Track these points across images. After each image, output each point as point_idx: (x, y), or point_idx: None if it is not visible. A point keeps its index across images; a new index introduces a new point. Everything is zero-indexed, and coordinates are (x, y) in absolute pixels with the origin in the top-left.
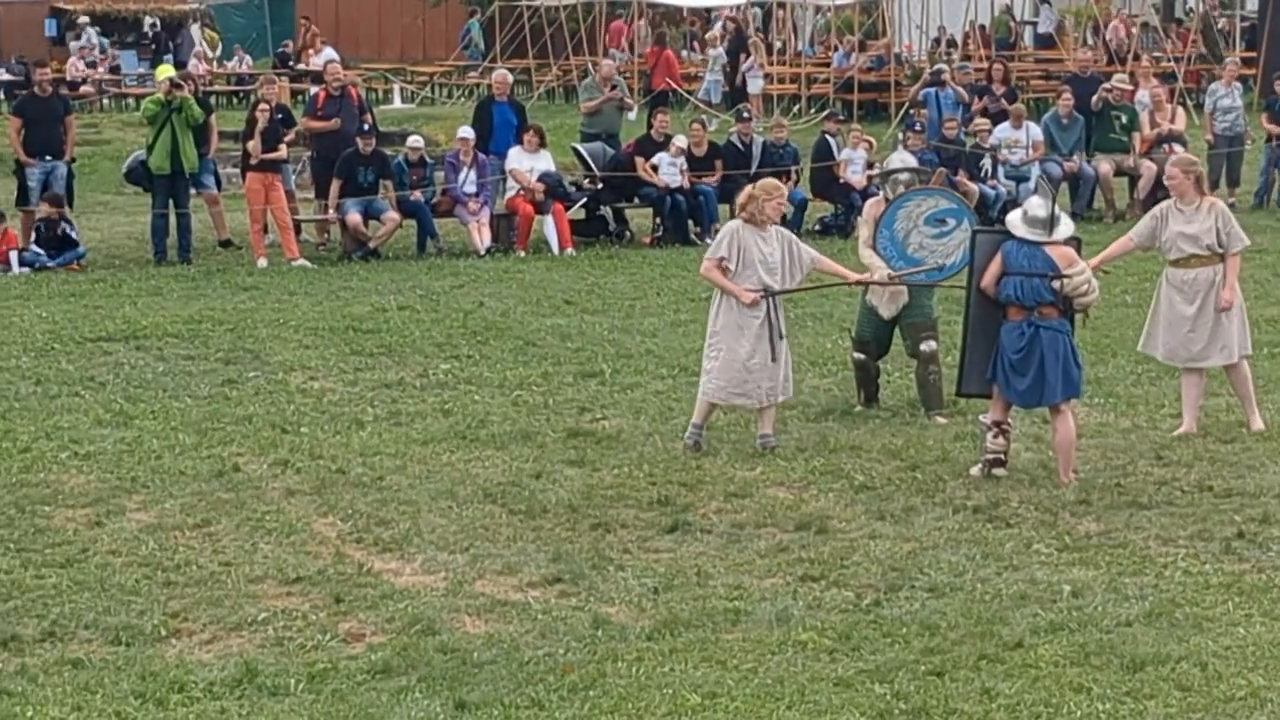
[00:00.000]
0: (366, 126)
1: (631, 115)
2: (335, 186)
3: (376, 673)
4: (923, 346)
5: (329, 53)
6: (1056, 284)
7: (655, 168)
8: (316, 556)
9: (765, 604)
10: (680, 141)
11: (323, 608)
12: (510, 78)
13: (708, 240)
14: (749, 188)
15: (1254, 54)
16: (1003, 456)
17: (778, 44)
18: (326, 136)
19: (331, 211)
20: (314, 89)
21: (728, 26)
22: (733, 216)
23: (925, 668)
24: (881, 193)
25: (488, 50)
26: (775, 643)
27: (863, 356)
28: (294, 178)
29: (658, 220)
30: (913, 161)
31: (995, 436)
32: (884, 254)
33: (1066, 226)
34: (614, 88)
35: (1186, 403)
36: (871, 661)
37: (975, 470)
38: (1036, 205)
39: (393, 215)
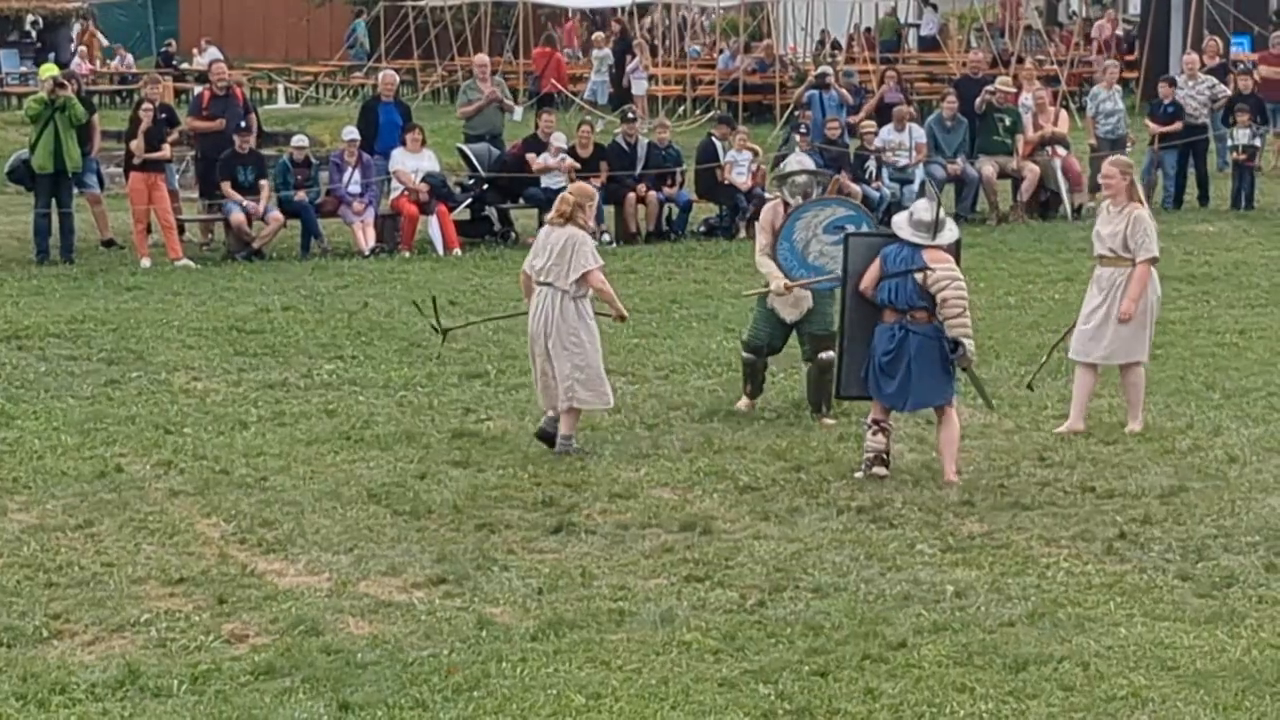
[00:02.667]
0: (243, 124)
1: (517, 116)
2: (226, 187)
3: (260, 674)
4: (822, 355)
5: (213, 52)
6: (919, 276)
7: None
8: (200, 557)
9: (650, 604)
10: (559, 142)
11: (206, 609)
12: (396, 78)
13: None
14: (566, 195)
15: (1135, 57)
16: (883, 454)
17: (693, 48)
18: (210, 136)
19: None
20: (198, 88)
21: (613, 28)
22: (610, 217)
23: (809, 668)
24: (778, 195)
25: (373, 50)
26: (660, 643)
27: (753, 357)
28: (177, 177)
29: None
30: (810, 163)
31: (874, 434)
32: (784, 264)
33: (951, 231)
34: (495, 86)
35: (1076, 399)
36: (756, 662)
37: (859, 473)
38: (922, 209)
39: (276, 215)
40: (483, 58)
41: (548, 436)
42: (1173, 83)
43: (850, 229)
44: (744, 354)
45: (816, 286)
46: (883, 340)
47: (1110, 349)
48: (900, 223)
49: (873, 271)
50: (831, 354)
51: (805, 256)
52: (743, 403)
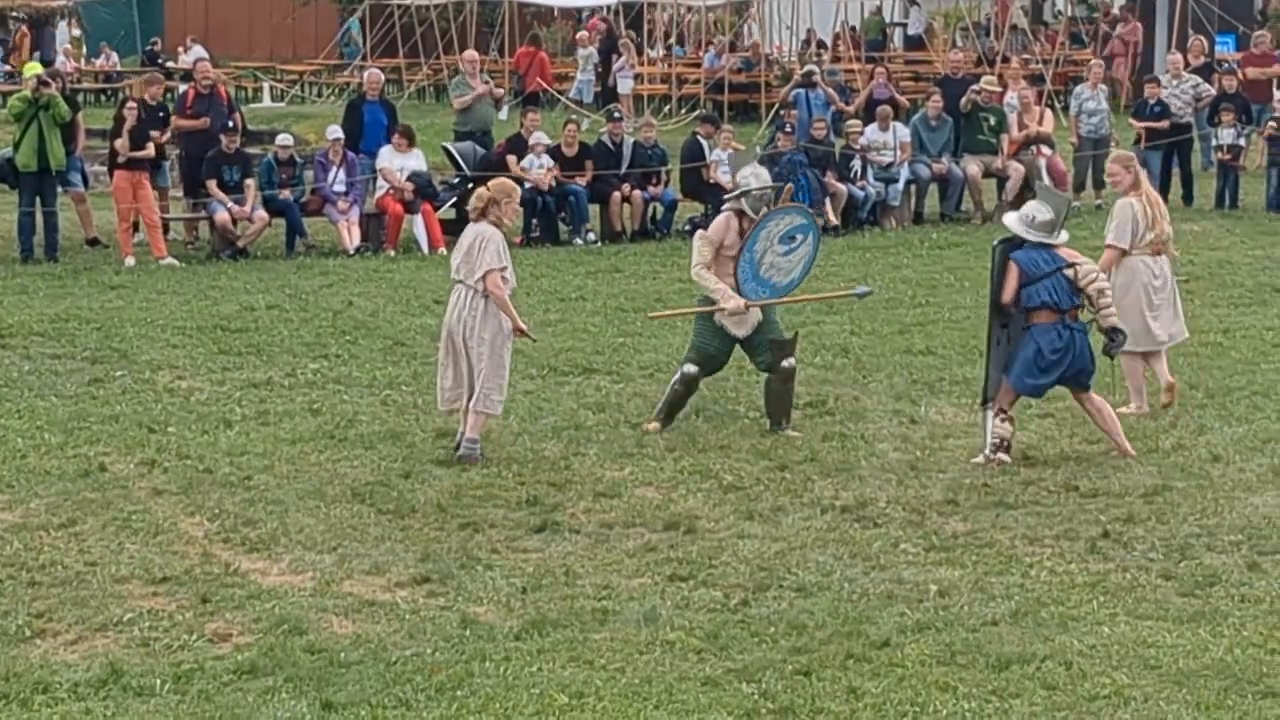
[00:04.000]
0: (231, 124)
1: (503, 114)
2: (212, 185)
3: (243, 673)
4: (785, 363)
5: (198, 51)
6: (1069, 272)
7: (526, 170)
8: (183, 556)
9: (633, 604)
10: (542, 140)
11: (189, 608)
12: (382, 77)
13: (578, 241)
14: (482, 190)
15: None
16: (1009, 441)
17: (680, 49)
18: (195, 135)
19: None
20: (183, 87)
21: (601, 27)
22: (601, 214)
23: (792, 667)
24: (730, 208)
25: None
26: (643, 642)
27: (696, 370)
28: (170, 175)
29: (534, 220)
30: (766, 175)
31: (1003, 421)
32: (740, 276)
33: (1064, 233)
34: (486, 82)
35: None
36: (739, 661)
37: (979, 459)
38: (1036, 208)
39: (261, 214)
40: (472, 54)
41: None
42: (1158, 82)
43: (799, 238)
44: (688, 367)
45: (777, 301)
46: (1049, 339)
47: None
48: (1017, 225)
49: (1012, 282)
50: (793, 361)
51: (759, 269)
52: (653, 425)
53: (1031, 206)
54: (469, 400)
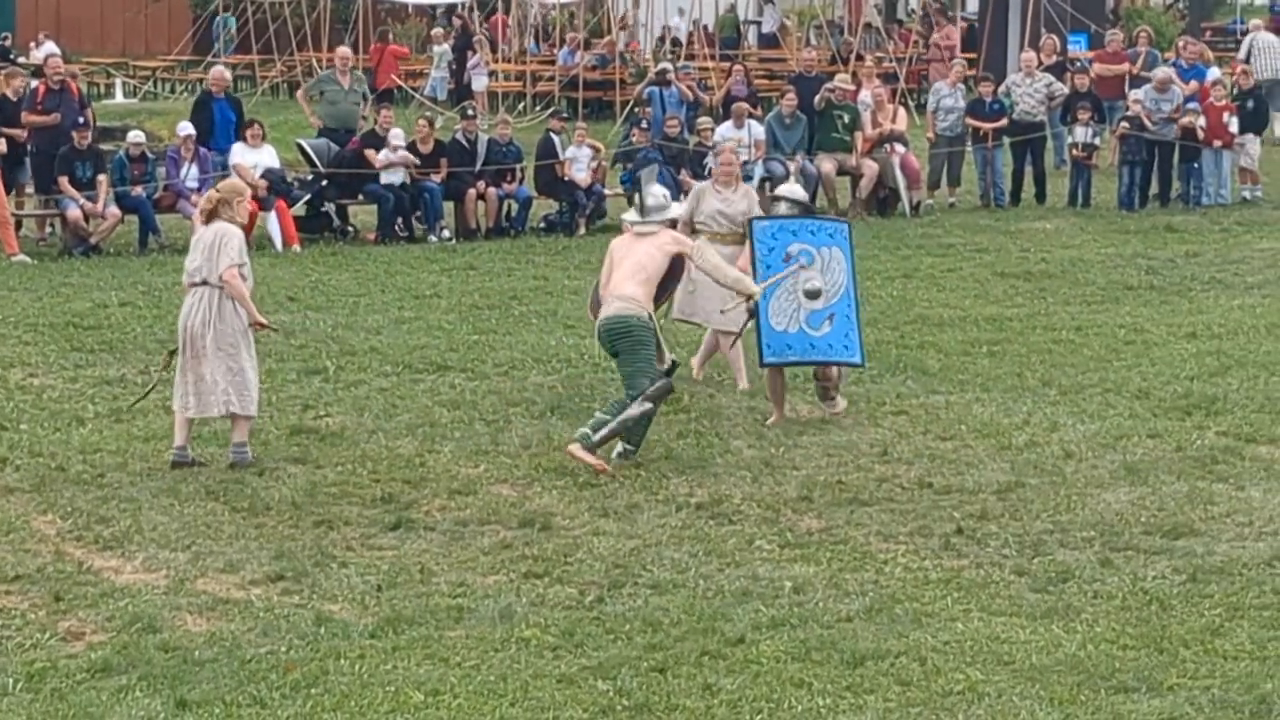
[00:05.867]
0: (82, 120)
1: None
2: (63, 182)
3: (96, 671)
4: (660, 384)
5: (50, 46)
6: None
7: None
8: (35, 555)
9: (488, 601)
10: (398, 139)
11: (42, 606)
12: (228, 74)
13: (433, 238)
14: (211, 193)
15: (974, 55)
16: None
17: (535, 46)
18: (46, 132)
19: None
20: (34, 83)
21: (454, 23)
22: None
23: (648, 664)
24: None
25: (213, 45)
26: (498, 640)
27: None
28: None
29: (399, 219)
30: (666, 194)
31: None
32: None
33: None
34: (358, 78)
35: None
36: (594, 658)
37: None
38: (797, 188)
39: (114, 211)
40: (345, 50)
41: (184, 465)
42: (995, 81)
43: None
44: (669, 381)
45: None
46: None
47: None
48: (802, 196)
49: None
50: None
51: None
52: (596, 462)
53: (797, 187)
54: (198, 407)
